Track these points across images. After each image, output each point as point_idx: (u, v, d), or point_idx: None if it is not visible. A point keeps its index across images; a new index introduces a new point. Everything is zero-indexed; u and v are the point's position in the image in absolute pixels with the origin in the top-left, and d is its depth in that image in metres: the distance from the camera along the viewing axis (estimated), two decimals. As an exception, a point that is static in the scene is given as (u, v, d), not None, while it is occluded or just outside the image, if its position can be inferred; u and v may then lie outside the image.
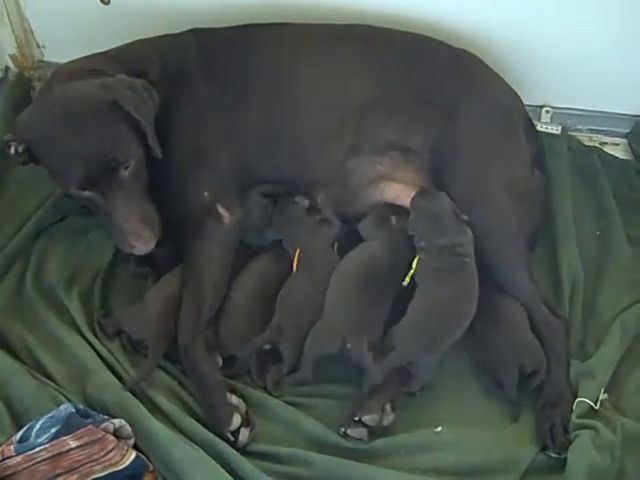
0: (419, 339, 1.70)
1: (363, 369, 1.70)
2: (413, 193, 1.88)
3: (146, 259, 1.87)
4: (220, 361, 1.75)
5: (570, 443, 1.61)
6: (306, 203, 1.91)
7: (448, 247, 1.76)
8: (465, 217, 1.80)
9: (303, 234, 1.87)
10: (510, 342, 1.74)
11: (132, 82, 1.75)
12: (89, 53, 1.94)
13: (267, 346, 1.75)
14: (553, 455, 1.63)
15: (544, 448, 1.65)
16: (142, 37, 1.97)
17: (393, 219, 1.89)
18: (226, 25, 1.99)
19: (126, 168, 1.70)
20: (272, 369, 1.76)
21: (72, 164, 1.67)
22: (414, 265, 1.78)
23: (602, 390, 1.69)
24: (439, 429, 1.67)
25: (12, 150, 1.71)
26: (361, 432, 1.64)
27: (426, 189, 1.89)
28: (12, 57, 2.37)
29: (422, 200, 1.84)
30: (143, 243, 1.73)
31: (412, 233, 1.82)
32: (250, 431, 1.65)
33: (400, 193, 1.95)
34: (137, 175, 1.73)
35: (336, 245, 1.89)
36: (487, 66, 2.02)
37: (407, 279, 1.78)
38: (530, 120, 2.08)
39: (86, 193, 1.70)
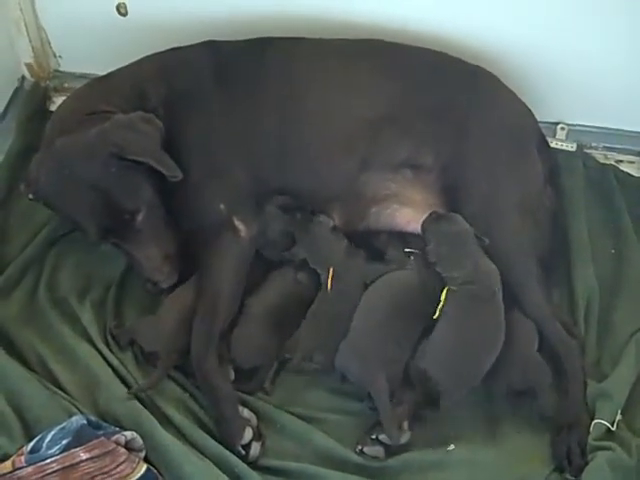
0: (455, 375, 1.66)
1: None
2: (424, 217, 1.82)
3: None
4: (232, 374, 1.74)
5: (587, 465, 1.59)
6: (330, 223, 1.89)
7: (478, 275, 1.71)
8: (487, 240, 1.76)
9: (334, 255, 1.85)
10: (506, 356, 1.70)
11: (130, 121, 1.73)
12: (105, 63, 1.97)
13: (288, 355, 1.76)
14: (569, 478, 1.61)
15: (560, 470, 1.62)
16: (159, 48, 1.98)
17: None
18: (243, 37, 1.99)
19: (140, 213, 1.73)
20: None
21: (84, 221, 1.71)
22: (443, 297, 1.72)
23: (618, 411, 1.68)
24: (451, 447, 1.65)
25: (30, 197, 1.76)
26: (378, 450, 1.63)
27: (438, 212, 1.81)
28: (28, 66, 2.37)
29: (440, 224, 1.76)
30: (167, 279, 1.79)
31: (435, 261, 1.75)
32: (261, 445, 1.64)
33: (412, 218, 1.92)
34: (153, 214, 1.76)
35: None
36: (501, 83, 2.02)
37: (438, 312, 1.72)
38: (543, 137, 2.06)
39: (105, 241, 1.77)
